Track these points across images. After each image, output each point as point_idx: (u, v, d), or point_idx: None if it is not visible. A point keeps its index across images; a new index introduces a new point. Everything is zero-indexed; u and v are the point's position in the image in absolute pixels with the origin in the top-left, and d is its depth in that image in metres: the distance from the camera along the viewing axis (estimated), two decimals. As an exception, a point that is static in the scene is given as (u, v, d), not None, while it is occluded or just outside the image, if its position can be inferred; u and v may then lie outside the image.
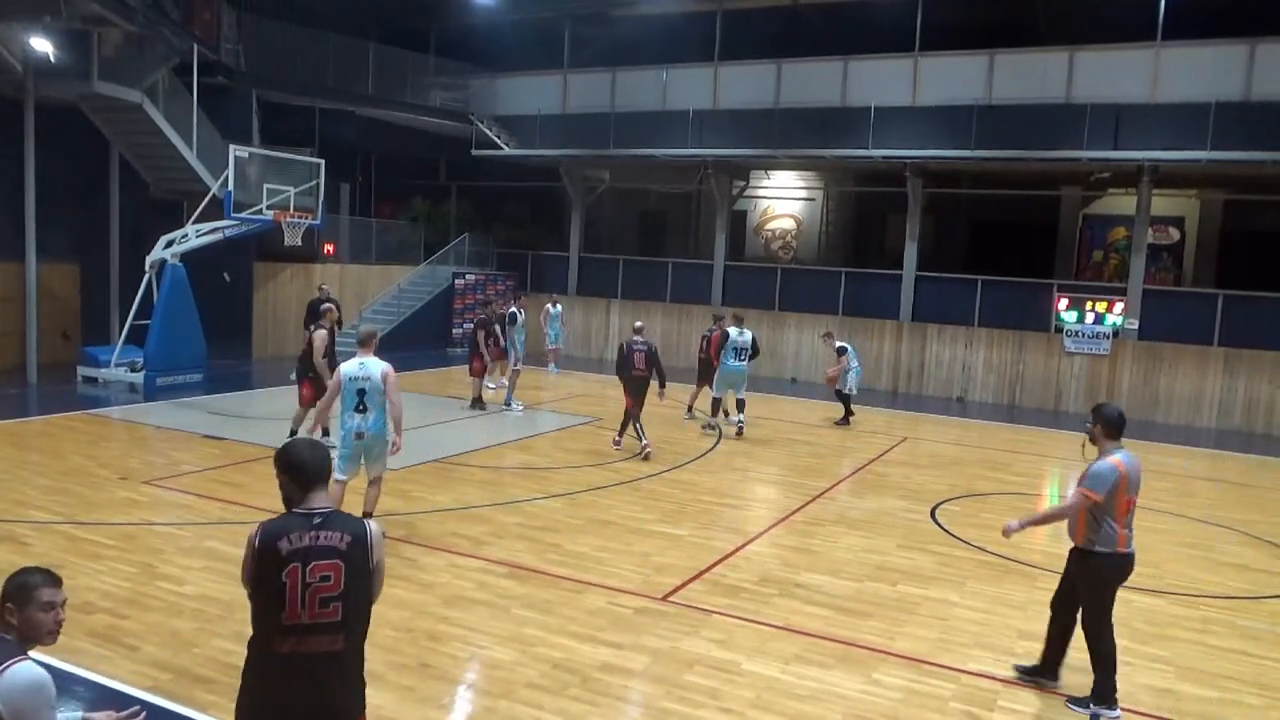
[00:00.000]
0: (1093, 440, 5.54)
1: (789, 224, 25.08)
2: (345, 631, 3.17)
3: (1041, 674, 5.73)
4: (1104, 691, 5.42)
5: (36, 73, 14.73)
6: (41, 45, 14.34)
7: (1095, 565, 5.46)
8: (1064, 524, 5.64)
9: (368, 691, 5.14)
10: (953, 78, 18.44)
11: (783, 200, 25.05)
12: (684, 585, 7.23)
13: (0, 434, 11.44)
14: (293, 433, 11.01)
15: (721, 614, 6.66)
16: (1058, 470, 13.33)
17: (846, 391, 14.85)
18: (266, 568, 3.12)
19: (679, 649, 6.01)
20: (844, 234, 25.00)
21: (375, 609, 6.39)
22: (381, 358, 7.81)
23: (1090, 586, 5.50)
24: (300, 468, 3.26)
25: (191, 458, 10.57)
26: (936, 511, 9.87)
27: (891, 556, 8.22)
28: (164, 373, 15.03)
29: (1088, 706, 5.44)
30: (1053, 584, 7.68)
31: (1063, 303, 18.34)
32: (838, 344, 14.92)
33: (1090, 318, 18.09)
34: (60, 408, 13.37)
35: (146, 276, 15.44)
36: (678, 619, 6.53)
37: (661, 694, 5.40)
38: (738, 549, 8.25)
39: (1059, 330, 18.33)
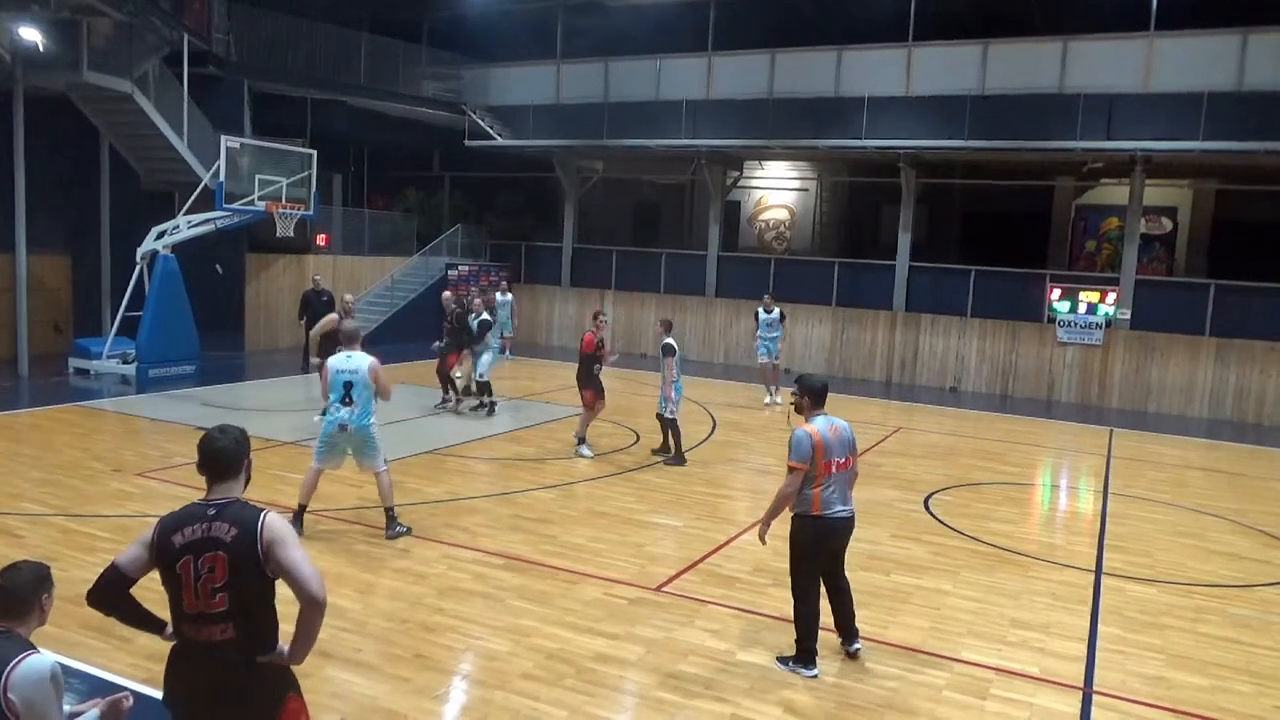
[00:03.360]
0: (798, 410, 5.80)
1: (783, 214, 25.06)
2: (235, 620, 3.17)
3: (839, 639, 5.90)
4: (800, 653, 5.63)
5: (25, 63, 14.65)
6: (30, 35, 14.24)
7: (793, 527, 5.68)
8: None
9: (363, 682, 5.18)
10: (946, 68, 18.42)
11: (776, 190, 25.02)
12: (679, 576, 7.24)
13: (-8, 426, 11.41)
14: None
15: (716, 604, 6.68)
16: (1051, 460, 13.38)
17: (669, 415, 11.00)
18: (162, 559, 3.22)
19: (674, 639, 6.03)
20: (838, 224, 25.00)
21: (369, 600, 6.45)
22: (374, 349, 7.89)
23: (790, 547, 5.69)
24: (205, 461, 3.35)
25: (185, 450, 10.52)
26: (930, 501, 9.90)
27: (885, 546, 8.25)
28: (156, 365, 14.98)
29: (788, 664, 5.66)
30: (1046, 573, 7.78)
31: (1056, 293, 18.38)
32: (665, 340, 11.14)
33: (1083, 308, 18.13)
34: (52, 400, 13.32)
35: (138, 268, 15.39)
36: (673, 609, 6.55)
37: (656, 684, 5.41)
38: (732, 539, 8.27)
39: (1052, 320, 18.37)
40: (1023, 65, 17.82)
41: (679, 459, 11.01)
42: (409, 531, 7.94)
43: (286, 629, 3.27)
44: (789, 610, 5.75)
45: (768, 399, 15.69)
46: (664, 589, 6.94)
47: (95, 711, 3.48)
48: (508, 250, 24.47)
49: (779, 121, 19.63)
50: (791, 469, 5.48)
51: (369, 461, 7.88)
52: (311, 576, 3.17)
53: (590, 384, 11.27)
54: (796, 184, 24.86)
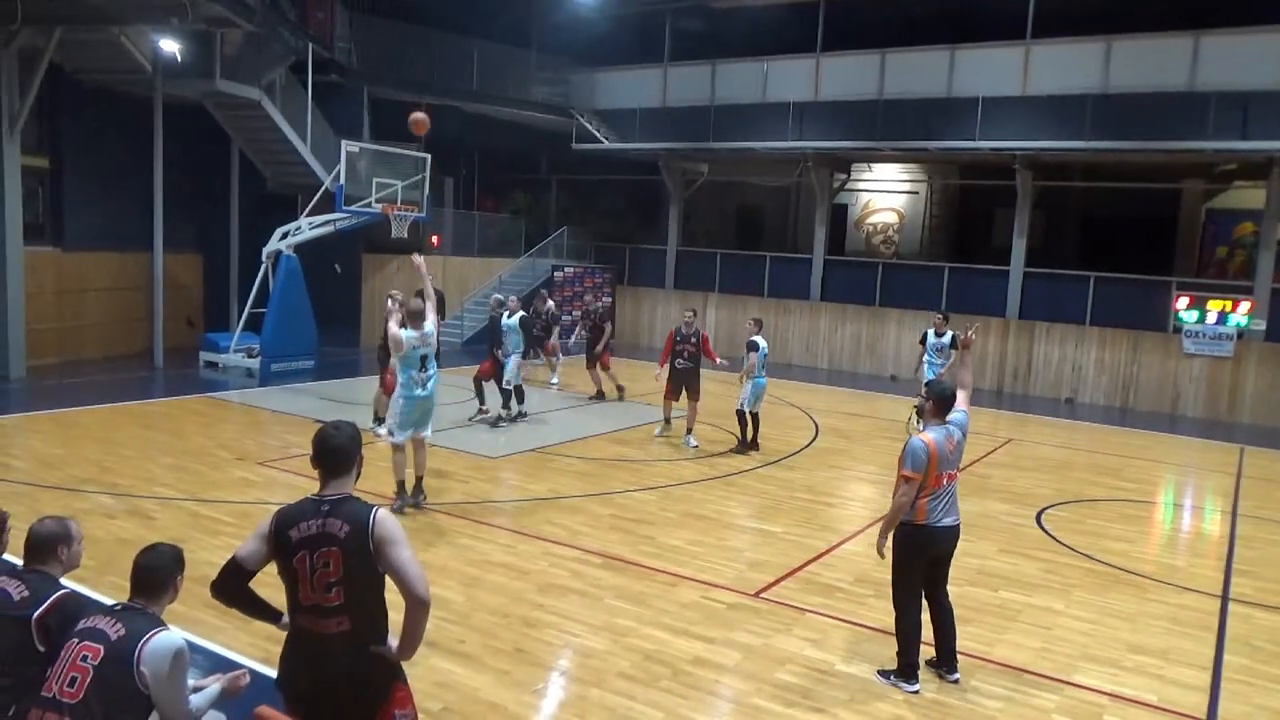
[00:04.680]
0: (920, 414, 5.67)
1: (891, 218, 24.57)
2: (349, 614, 3.27)
3: (938, 664, 5.70)
4: (902, 666, 5.50)
5: (164, 72, 15.57)
6: (169, 46, 15.13)
7: (894, 537, 5.52)
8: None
9: (466, 673, 5.32)
10: (1066, 65, 17.71)
11: (885, 194, 24.54)
12: (777, 582, 7.19)
13: (130, 415, 12.17)
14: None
15: (815, 613, 6.60)
16: (1173, 477, 12.72)
17: (740, 408, 11.64)
18: (279, 552, 3.34)
19: (771, 646, 5.99)
20: (948, 228, 24.36)
21: (473, 593, 6.61)
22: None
23: (891, 557, 5.56)
24: (320, 456, 3.45)
25: (303, 441, 10.93)
26: (1042, 516, 9.55)
27: (993, 561, 8.00)
28: (278, 359, 15.71)
29: (889, 678, 5.54)
30: (1166, 596, 7.42)
31: (1182, 301, 17.44)
32: (752, 338, 11.57)
33: (1212, 317, 17.15)
34: (183, 390, 14.14)
35: (263, 267, 16.15)
36: (770, 616, 6.50)
37: (753, 690, 5.38)
38: (833, 548, 8.16)
39: (1177, 330, 17.46)
40: (1150, 62, 16.99)
41: (742, 448, 11.60)
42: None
43: (395, 617, 3.38)
44: (891, 622, 5.65)
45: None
46: (762, 595, 6.89)
47: (216, 686, 3.70)
48: (612, 252, 24.69)
49: (889, 123, 19.25)
50: (906, 478, 5.35)
51: (426, 428, 8.46)
52: (418, 578, 3.26)
53: (670, 378, 12.02)
54: (906, 186, 24.32)
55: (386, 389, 11.32)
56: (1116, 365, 18.08)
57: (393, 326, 8.38)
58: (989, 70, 18.44)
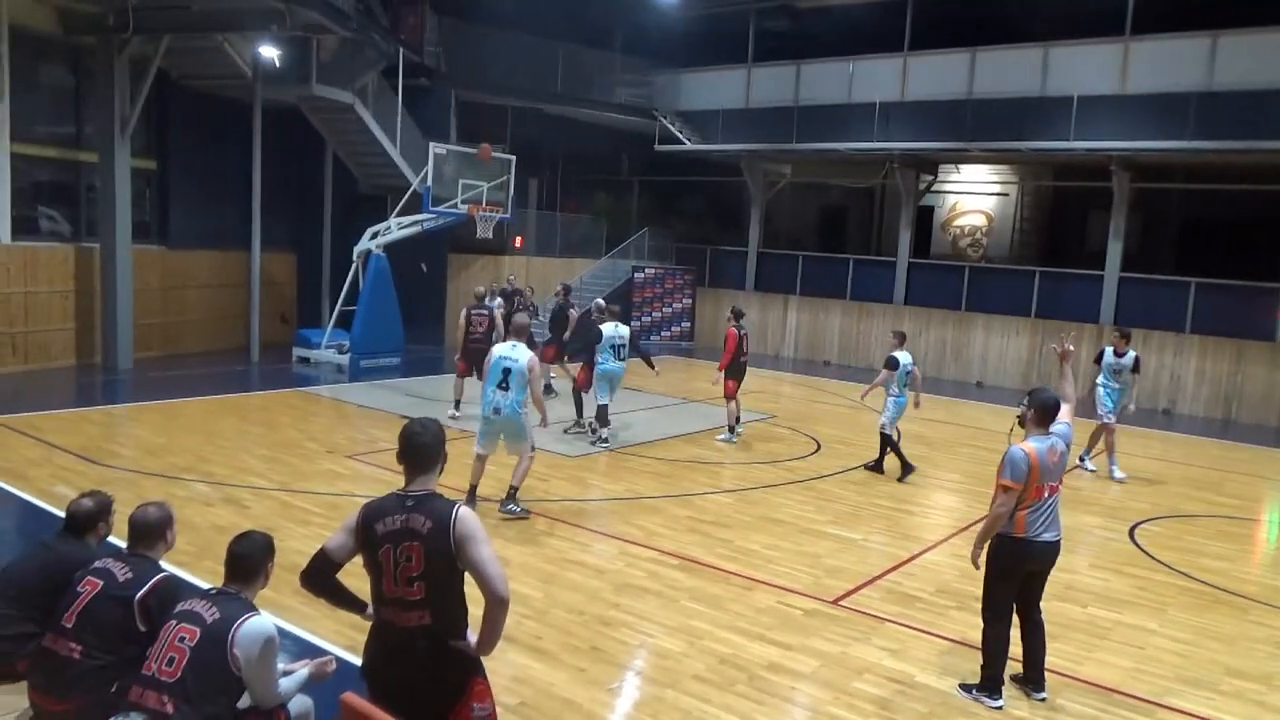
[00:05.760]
0: (1022, 424, 5.46)
1: (979, 220, 23.97)
2: (430, 608, 3.34)
3: (1024, 681, 5.52)
4: (985, 681, 5.38)
5: (263, 77, 16.16)
6: (268, 52, 15.70)
7: (990, 546, 5.34)
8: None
9: (542, 669, 5.39)
10: (1168, 62, 16.99)
11: (973, 195, 23.97)
12: (856, 590, 7.08)
13: (227, 407, 12.66)
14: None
15: (895, 623, 6.48)
16: (1278, 493, 12.11)
17: (884, 429, 10.85)
18: (364, 546, 3.42)
19: (849, 655, 5.91)
20: (1039, 231, 23.66)
21: (550, 590, 6.68)
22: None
23: (985, 567, 5.40)
24: (406, 453, 3.52)
25: (389, 436, 11.26)
26: (1136, 531, 9.20)
27: (1083, 576, 7.74)
28: (367, 356, 16.15)
29: (971, 692, 5.40)
30: (1269, 618, 7.08)
31: (1292, 309, 16.59)
32: (891, 353, 10.85)
33: (1325, 327, 16.26)
34: (277, 384, 14.64)
35: (354, 265, 16.62)
36: (848, 624, 6.41)
37: (829, 699, 5.32)
38: (914, 557, 8.01)
39: (1287, 340, 16.62)
40: (1258, 57, 16.17)
41: (903, 468, 10.75)
42: (526, 515, 8.24)
43: (475, 612, 3.45)
44: (973, 635, 5.52)
45: (1092, 466, 11.96)
46: (840, 603, 6.80)
47: (304, 671, 3.84)
48: (693, 254, 24.67)
49: (978, 123, 18.79)
50: (1005, 488, 5.19)
51: (517, 446, 8.28)
52: (497, 576, 3.30)
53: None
54: (995, 188, 23.71)
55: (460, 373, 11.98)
56: (1218, 375, 17.29)
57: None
58: (1085, 68, 17.84)
